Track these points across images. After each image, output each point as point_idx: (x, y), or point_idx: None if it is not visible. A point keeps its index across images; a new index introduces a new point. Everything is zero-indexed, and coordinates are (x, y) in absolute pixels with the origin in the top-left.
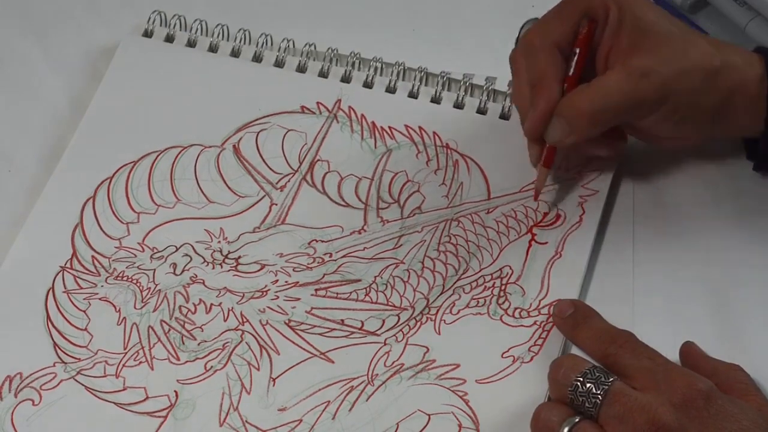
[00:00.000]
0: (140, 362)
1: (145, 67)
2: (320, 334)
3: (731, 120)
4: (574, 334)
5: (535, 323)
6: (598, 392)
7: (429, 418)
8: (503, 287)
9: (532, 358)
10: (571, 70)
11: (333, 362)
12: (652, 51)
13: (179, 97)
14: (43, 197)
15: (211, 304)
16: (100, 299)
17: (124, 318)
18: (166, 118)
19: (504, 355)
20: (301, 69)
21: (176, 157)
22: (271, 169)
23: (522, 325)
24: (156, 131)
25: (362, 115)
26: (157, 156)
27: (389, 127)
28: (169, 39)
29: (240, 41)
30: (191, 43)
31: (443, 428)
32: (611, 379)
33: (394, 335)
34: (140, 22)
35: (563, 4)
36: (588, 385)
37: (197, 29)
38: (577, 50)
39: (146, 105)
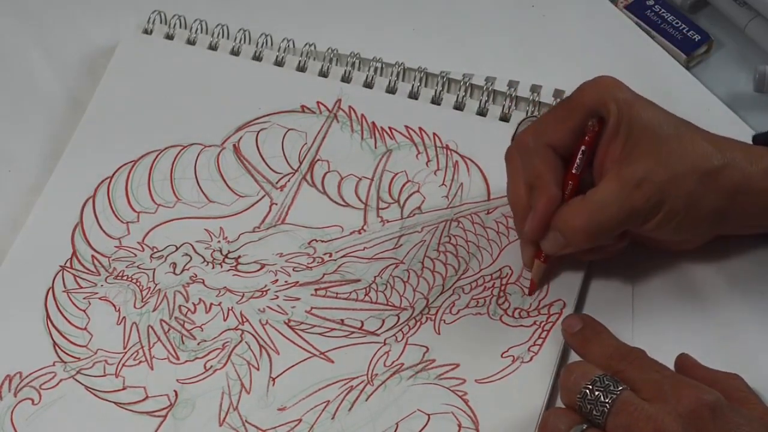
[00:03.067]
0: (140, 362)
1: (145, 66)
2: (320, 333)
3: (738, 219)
4: (584, 350)
5: (534, 323)
6: (606, 400)
7: (429, 418)
8: (503, 287)
9: (531, 358)
10: (575, 168)
11: (333, 362)
12: (647, 157)
13: (179, 95)
14: (43, 196)
15: (211, 304)
16: (99, 299)
17: (124, 317)
18: (165, 117)
19: (504, 355)
20: (302, 68)
21: (176, 156)
22: (271, 168)
23: (522, 325)
24: (155, 130)
25: (362, 115)
26: (157, 155)
27: (389, 128)
28: (169, 37)
29: (240, 41)
30: (191, 41)
31: (443, 428)
32: (620, 389)
33: (394, 335)
34: (140, 21)
35: (560, 104)
36: (597, 393)
37: (197, 28)
38: (583, 149)
39: (146, 103)
